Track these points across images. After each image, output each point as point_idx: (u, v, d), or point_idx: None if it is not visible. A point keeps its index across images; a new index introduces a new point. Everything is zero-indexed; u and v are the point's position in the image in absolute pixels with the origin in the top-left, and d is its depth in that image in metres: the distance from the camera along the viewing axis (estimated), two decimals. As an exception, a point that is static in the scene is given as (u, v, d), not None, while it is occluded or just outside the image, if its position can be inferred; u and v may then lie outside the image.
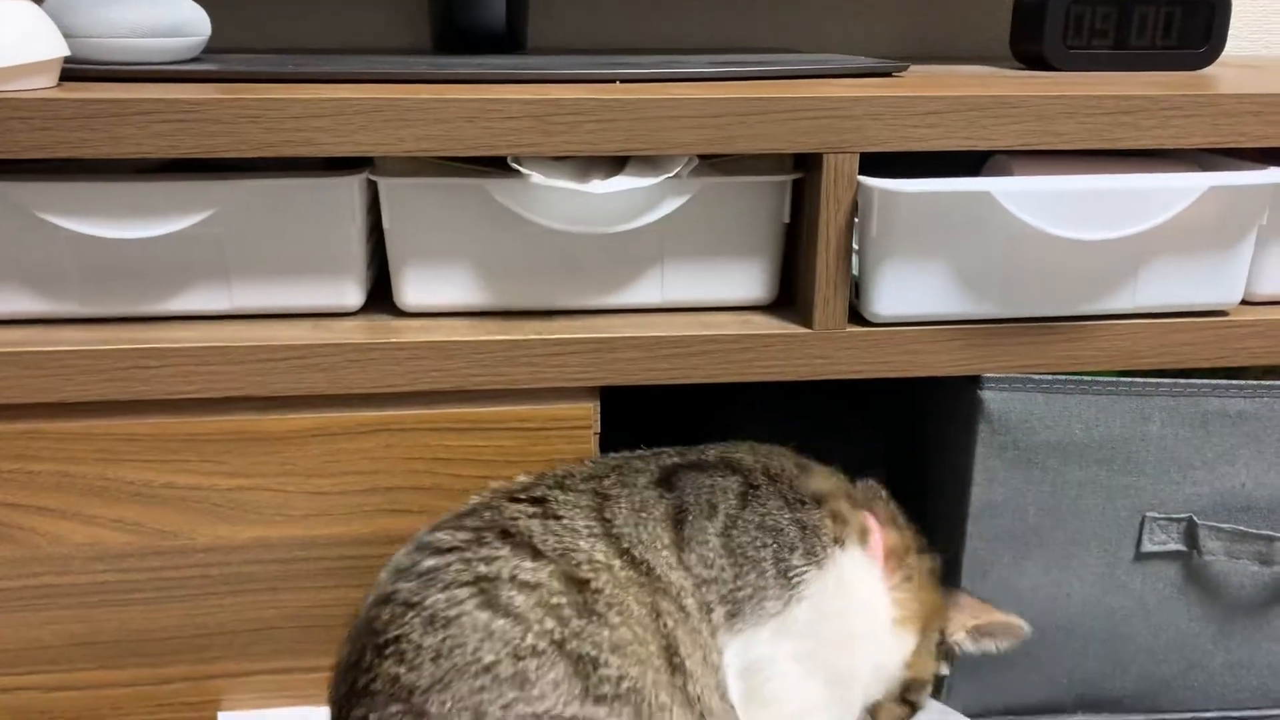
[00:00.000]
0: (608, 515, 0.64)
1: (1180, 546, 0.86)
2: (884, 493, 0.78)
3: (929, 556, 0.76)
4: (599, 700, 0.57)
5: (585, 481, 0.67)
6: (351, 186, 0.78)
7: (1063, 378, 0.82)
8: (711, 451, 0.72)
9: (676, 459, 0.70)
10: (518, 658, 0.57)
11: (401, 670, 0.57)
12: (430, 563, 0.61)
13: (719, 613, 0.64)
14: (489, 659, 0.57)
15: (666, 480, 0.68)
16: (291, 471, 0.78)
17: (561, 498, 0.65)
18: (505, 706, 0.56)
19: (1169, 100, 0.78)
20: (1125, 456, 0.84)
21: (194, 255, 0.78)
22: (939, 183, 0.75)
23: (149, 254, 0.77)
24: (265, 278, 0.79)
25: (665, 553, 0.63)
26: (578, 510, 0.64)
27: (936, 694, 0.91)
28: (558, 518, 0.63)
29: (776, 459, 0.72)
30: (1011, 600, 0.87)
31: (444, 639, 0.57)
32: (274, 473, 0.78)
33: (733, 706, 0.64)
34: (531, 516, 0.63)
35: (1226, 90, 0.80)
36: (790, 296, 0.85)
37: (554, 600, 0.59)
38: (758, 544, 0.65)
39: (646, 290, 0.83)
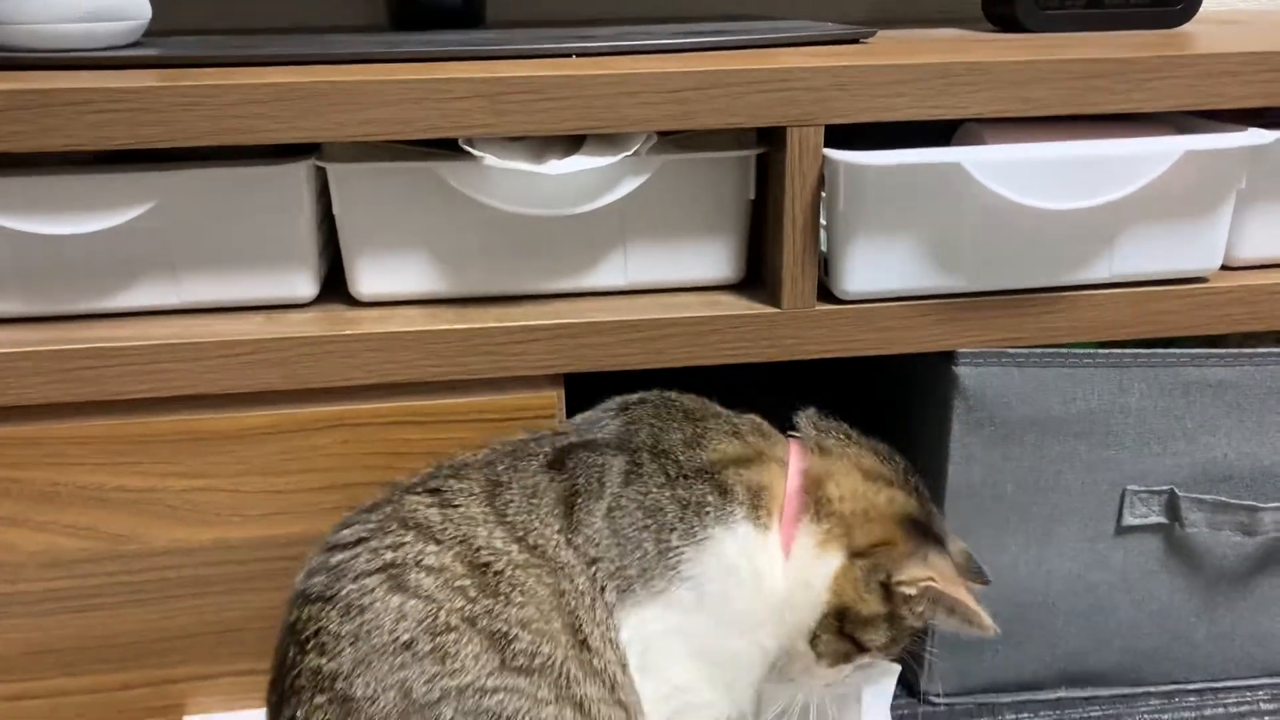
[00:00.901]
0: (499, 504, 0.63)
1: (1162, 519, 0.84)
2: (817, 416, 0.75)
3: (890, 491, 0.70)
4: (517, 671, 0.58)
5: (479, 470, 0.66)
6: (298, 174, 0.75)
7: (1039, 351, 0.80)
8: (610, 426, 0.70)
9: (574, 438, 0.69)
10: (434, 634, 0.57)
11: (323, 661, 0.58)
12: (339, 557, 0.61)
13: (611, 591, 0.63)
14: (406, 637, 0.57)
15: (559, 462, 0.66)
16: (247, 471, 0.76)
17: (456, 486, 0.64)
18: (429, 681, 0.57)
19: (1144, 62, 0.75)
20: (1104, 430, 0.82)
21: (138, 249, 0.75)
22: (906, 154, 0.73)
23: (91, 249, 0.74)
24: (214, 271, 0.77)
25: (557, 537, 0.63)
26: (472, 498, 0.64)
27: (916, 674, 0.90)
28: (455, 506, 0.63)
29: (673, 429, 0.69)
30: (992, 578, 0.86)
31: (360, 624, 0.58)
32: (229, 473, 0.76)
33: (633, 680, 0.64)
34: (430, 506, 0.63)
35: (1203, 50, 0.77)
36: (759, 275, 0.83)
37: (459, 582, 0.59)
38: (638, 525, 0.64)
39: (609, 273, 0.80)
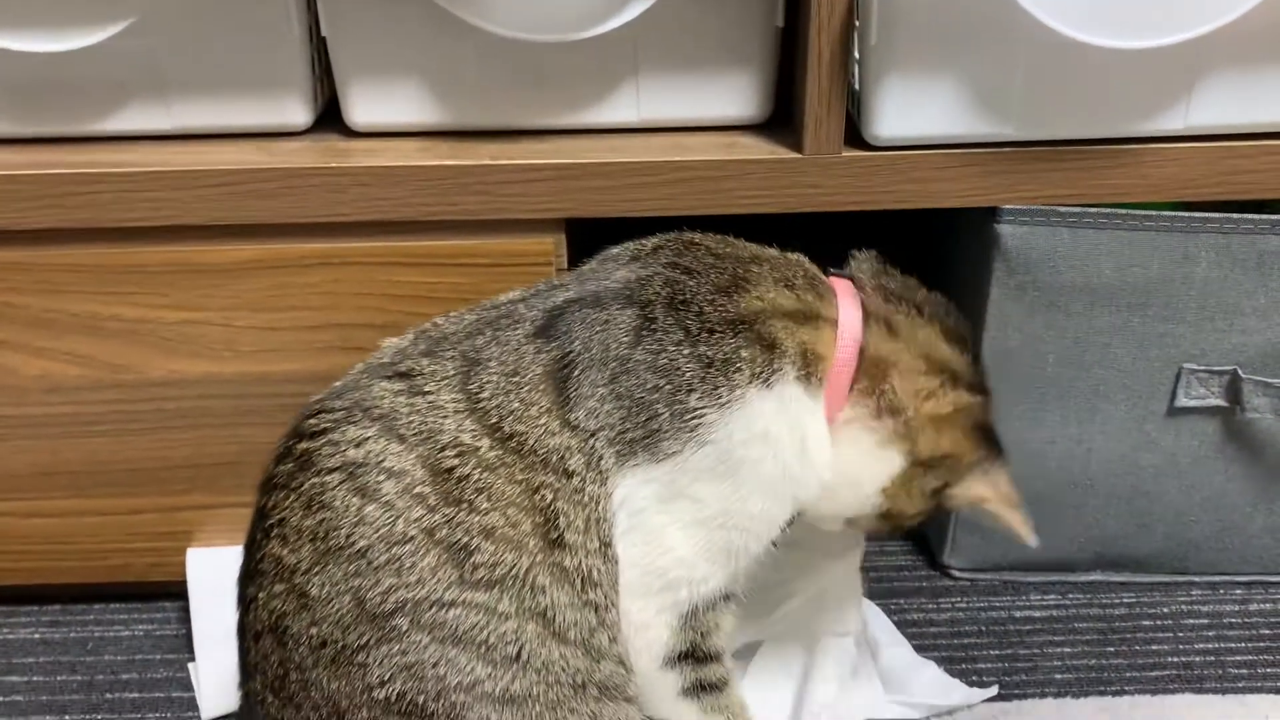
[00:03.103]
0: (473, 386, 0.58)
1: (1221, 402, 0.77)
2: (882, 270, 0.65)
3: (959, 394, 0.62)
4: (476, 585, 0.55)
5: (459, 344, 0.60)
6: (284, -11, 0.70)
7: (1093, 210, 0.72)
8: (618, 275, 0.60)
9: (570, 293, 0.60)
10: (390, 544, 0.54)
11: (284, 552, 0.56)
12: (304, 446, 0.58)
13: (609, 457, 0.57)
14: (362, 544, 0.55)
15: (548, 328, 0.59)
16: (238, 305, 0.74)
17: (429, 368, 0.59)
18: (384, 593, 0.54)
19: None
20: (1163, 301, 0.74)
21: (126, 69, 0.72)
22: (948, -21, 0.64)
23: (78, 68, 0.71)
24: (205, 93, 0.73)
25: (542, 419, 0.57)
26: (444, 383, 0.58)
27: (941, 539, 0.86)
28: (424, 393, 0.58)
29: (699, 275, 0.60)
30: (1025, 454, 0.80)
31: (320, 521, 0.55)
32: (220, 306, 0.74)
33: (617, 561, 0.58)
34: (398, 394, 0.58)
35: None
36: (790, 116, 0.75)
37: (419, 489, 0.55)
38: (646, 387, 0.57)
39: (620, 108, 0.74)
